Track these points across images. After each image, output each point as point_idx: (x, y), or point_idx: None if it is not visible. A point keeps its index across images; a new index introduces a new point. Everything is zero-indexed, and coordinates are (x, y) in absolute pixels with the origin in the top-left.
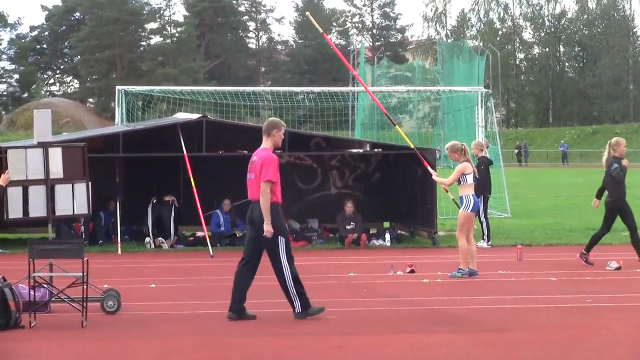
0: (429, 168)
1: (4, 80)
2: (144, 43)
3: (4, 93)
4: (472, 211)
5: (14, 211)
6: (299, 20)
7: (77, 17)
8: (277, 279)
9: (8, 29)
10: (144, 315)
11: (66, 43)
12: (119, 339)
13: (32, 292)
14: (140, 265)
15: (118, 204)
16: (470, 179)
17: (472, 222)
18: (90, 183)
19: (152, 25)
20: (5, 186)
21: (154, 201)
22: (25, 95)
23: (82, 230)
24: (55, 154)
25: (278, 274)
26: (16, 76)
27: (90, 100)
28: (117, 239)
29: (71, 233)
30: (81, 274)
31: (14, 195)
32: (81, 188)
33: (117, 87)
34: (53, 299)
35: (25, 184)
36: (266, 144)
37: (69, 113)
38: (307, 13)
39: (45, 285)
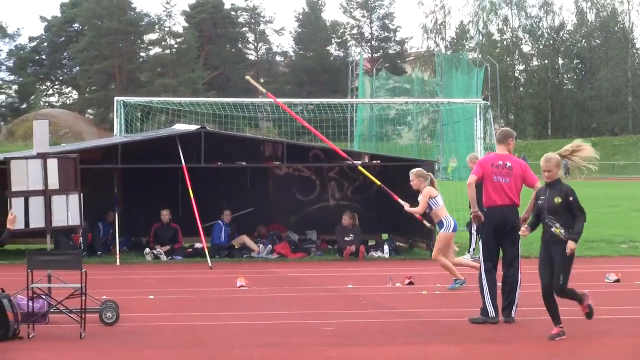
0: (400, 200)
1: (3, 91)
2: (143, 54)
3: (3, 104)
4: (454, 231)
5: (17, 222)
6: (299, 31)
7: (76, 28)
8: (510, 276)
9: (7, 40)
10: (142, 327)
11: (65, 54)
12: (118, 350)
13: (30, 304)
14: (139, 276)
15: (117, 215)
16: (440, 201)
17: (451, 242)
18: (82, 195)
19: (152, 37)
20: (12, 229)
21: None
22: (25, 106)
23: (80, 241)
24: (52, 165)
25: (515, 272)
26: (15, 87)
27: (90, 111)
28: (116, 250)
29: (70, 244)
30: (80, 285)
31: (17, 207)
32: (74, 200)
33: (116, 98)
34: (52, 310)
35: (26, 195)
36: (504, 151)
37: (68, 124)
38: (247, 77)
39: (43, 297)
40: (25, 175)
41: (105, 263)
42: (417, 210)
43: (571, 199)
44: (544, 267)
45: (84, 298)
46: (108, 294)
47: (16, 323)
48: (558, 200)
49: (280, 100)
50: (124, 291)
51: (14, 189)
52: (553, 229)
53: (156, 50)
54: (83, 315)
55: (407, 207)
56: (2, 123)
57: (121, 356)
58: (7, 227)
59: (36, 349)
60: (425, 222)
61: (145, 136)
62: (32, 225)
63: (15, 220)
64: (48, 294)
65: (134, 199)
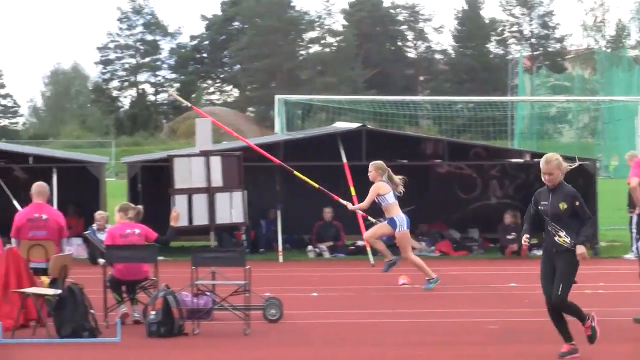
0: (341, 200)
1: (164, 89)
2: (303, 52)
3: (165, 102)
4: (408, 228)
5: (180, 219)
6: (458, 29)
7: (236, 27)
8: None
9: (168, 38)
10: (306, 324)
11: (226, 52)
12: (281, 347)
13: (195, 300)
14: (301, 273)
15: (279, 212)
16: (390, 197)
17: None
18: (246, 192)
19: (311, 34)
20: (175, 226)
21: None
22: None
23: (243, 238)
24: (216, 163)
25: None
26: (177, 85)
27: (250, 109)
28: (278, 247)
29: (232, 241)
30: (243, 282)
31: (180, 204)
32: (238, 197)
33: (276, 96)
34: (216, 306)
35: (189, 192)
36: None
37: (229, 122)
38: (170, 91)
39: (207, 293)
40: (188, 173)
41: (267, 260)
42: (362, 206)
43: (577, 203)
44: (547, 280)
45: (247, 295)
46: (271, 291)
47: (181, 319)
48: (563, 205)
49: (440, 98)
50: (286, 288)
51: (177, 186)
52: (556, 238)
53: (315, 48)
54: (247, 312)
55: (349, 206)
56: (164, 121)
57: (285, 353)
58: (170, 224)
59: (201, 345)
60: (370, 218)
61: (306, 134)
62: (195, 222)
63: (179, 217)
64: (212, 290)
65: (295, 196)
